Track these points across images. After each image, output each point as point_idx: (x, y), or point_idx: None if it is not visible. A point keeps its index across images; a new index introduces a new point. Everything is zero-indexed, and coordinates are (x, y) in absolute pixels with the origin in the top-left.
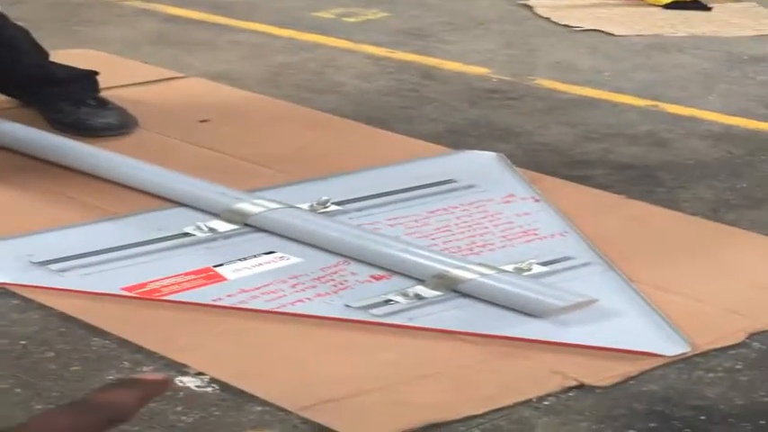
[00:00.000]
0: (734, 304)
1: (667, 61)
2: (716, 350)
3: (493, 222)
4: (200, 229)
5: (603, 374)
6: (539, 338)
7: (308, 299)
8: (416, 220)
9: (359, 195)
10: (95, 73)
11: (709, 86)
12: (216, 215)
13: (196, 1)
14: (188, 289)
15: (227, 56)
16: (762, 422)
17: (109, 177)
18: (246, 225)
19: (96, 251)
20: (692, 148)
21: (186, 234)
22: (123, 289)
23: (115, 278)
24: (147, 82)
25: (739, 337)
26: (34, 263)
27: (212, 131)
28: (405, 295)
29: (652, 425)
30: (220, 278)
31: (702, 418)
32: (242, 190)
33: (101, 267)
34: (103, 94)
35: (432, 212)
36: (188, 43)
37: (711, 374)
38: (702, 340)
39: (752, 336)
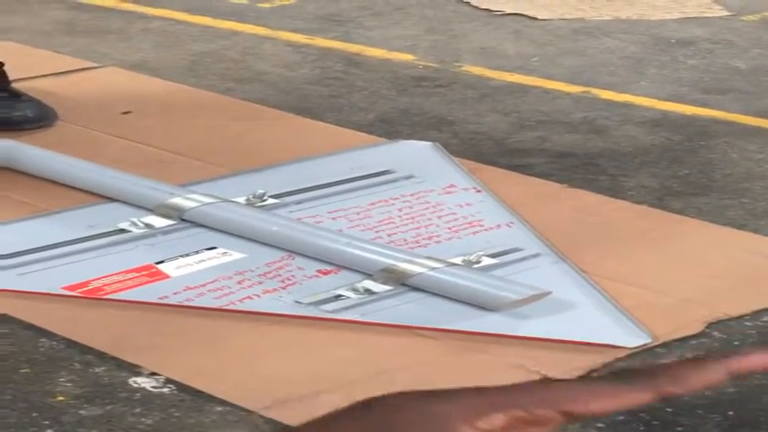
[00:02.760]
0: (689, 294)
1: (594, 46)
2: (676, 340)
3: (436, 214)
4: (135, 225)
5: (566, 367)
6: (496, 332)
7: (256, 295)
8: (358, 213)
9: (296, 188)
10: (1, 64)
11: (639, 71)
12: (150, 210)
13: None
14: (132, 287)
15: (142, 44)
16: (730, 413)
17: (37, 173)
18: (183, 220)
19: (31, 249)
20: (629, 134)
21: (122, 230)
22: (65, 288)
23: (55, 277)
24: (62, 72)
25: (698, 326)
26: None
27: (136, 123)
28: (355, 290)
29: (620, 417)
30: (163, 275)
31: (669, 409)
32: (174, 184)
33: (38, 266)
34: (16, 85)
35: (373, 204)
36: (100, 32)
37: None
38: (662, 331)
39: (711, 325)
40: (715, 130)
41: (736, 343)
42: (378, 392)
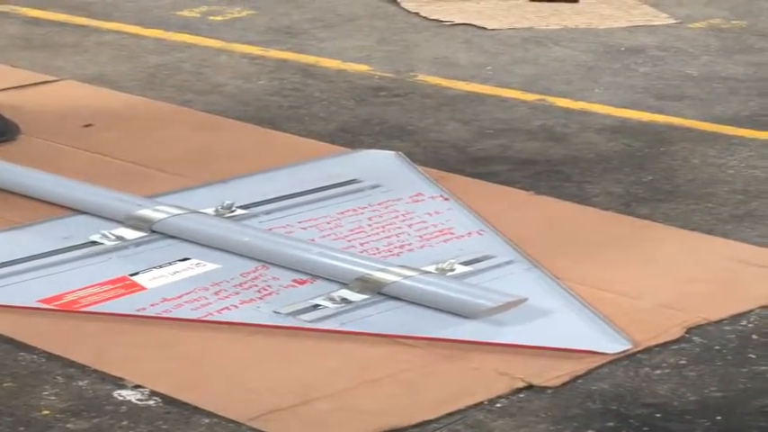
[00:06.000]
0: (666, 299)
1: (545, 54)
2: (657, 346)
3: (406, 222)
4: (106, 237)
5: (550, 374)
6: (477, 340)
7: (234, 306)
8: (328, 222)
9: (264, 198)
10: None
11: (593, 79)
12: (119, 222)
13: (54, 2)
14: (108, 299)
15: (98, 57)
16: (718, 417)
17: (4, 187)
18: (153, 231)
19: (3, 263)
20: (590, 141)
21: (94, 243)
22: (40, 301)
23: (29, 290)
24: (21, 86)
25: (678, 332)
26: None
27: (98, 136)
28: (332, 299)
29: (609, 424)
30: (139, 287)
31: (658, 415)
32: (141, 195)
33: (11, 279)
34: None
35: (342, 214)
36: (55, 46)
37: (658, 371)
38: (642, 337)
39: (690, 330)
40: (674, 137)
41: (716, 348)
42: (367, 401)
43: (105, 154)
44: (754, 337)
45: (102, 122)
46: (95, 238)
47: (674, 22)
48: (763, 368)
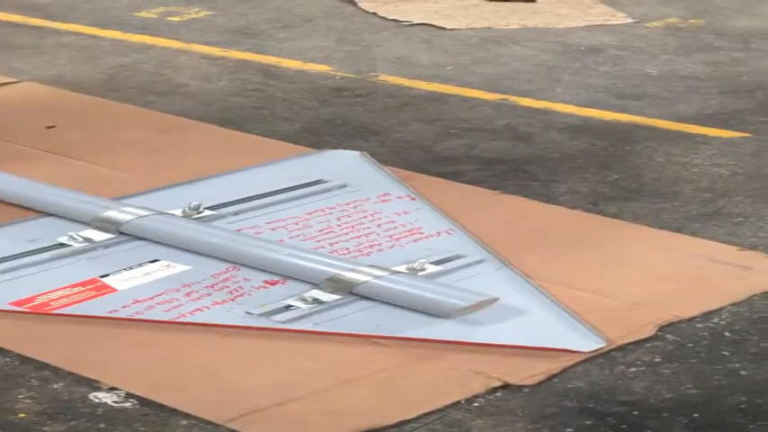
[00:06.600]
0: (638, 297)
1: (506, 54)
2: (631, 344)
3: (375, 222)
4: (74, 239)
5: (525, 373)
6: (452, 339)
7: (206, 307)
8: (297, 223)
9: (231, 199)
10: None
11: (554, 78)
12: (86, 224)
13: (9, 3)
14: (79, 301)
15: (56, 59)
16: (695, 415)
17: None
18: (121, 233)
19: None
20: (554, 140)
21: (62, 245)
22: (11, 304)
23: (0, 293)
24: None
25: (650, 330)
26: None
27: (61, 138)
28: (304, 300)
29: (587, 422)
30: (110, 289)
31: (635, 413)
32: (107, 197)
33: None
34: None
35: (310, 214)
36: (12, 47)
37: (633, 369)
38: (615, 335)
39: (663, 328)
40: (637, 135)
41: (690, 345)
42: (344, 401)
43: (69, 156)
44: (727, 334)
45: (65, 124)
46: (63, 240)
47: (632, 21)
48: (737, 365)
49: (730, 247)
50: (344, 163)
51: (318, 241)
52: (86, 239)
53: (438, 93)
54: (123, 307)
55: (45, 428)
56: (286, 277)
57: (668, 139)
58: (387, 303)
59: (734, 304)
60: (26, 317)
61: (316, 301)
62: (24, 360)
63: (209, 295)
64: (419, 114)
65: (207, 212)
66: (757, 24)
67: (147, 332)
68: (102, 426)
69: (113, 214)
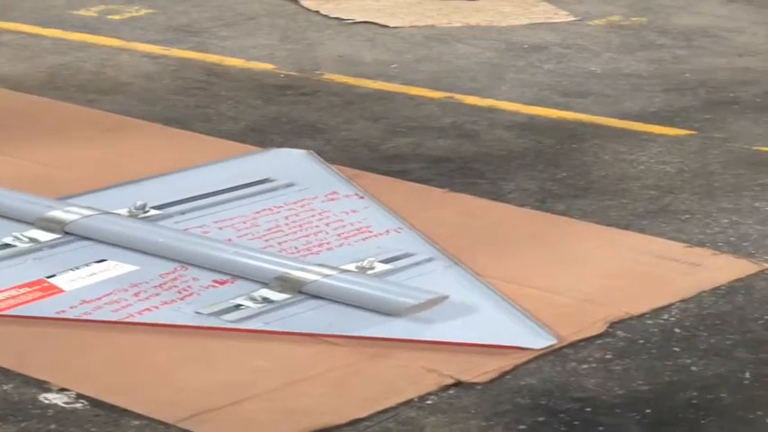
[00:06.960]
0: (588, 294)
1: (449, 52)
2: (582, 341)
3: (323, 221)
4: (19, 239)
5: (478, 370)
6: (403, 337)
7: (154, 307)
8: (244, 222)
9: (178, 198)
10: None
11: (498, 76)
12: (30, 224)
13: None
14: (26, 302)
15: None
16: (647, 411)
17: None
18: (67, 233)
19: None
20: (500, 138)
21: (7, 245)
22: None
23: None
24: None
25: (601, 326)
26: None
27: (2, 137)
28: (253, 299)
29: (540, 419)
30: (57, 290)
31: (588, 409)
32: (50, 197)
33: None
34: None
35: (258, 213)
36: None
37: (585, 366)
38: (566, 332)
39: (613, 325)
40: (583, 133)
41: (640, 342)
42: (297, 400)
43: (11, 155)
44: (677, 330)
45: (5, 124)
46: (7, 240)
47: (574, 19)
48: (688, 361)
49: (678, 243)
50: (291, 162)
51: (267, 240)
52: (32, 240)
53: (383, 91)
54: (71, 307)
55: None
56: (235, 276)
57: (614, 137)
58: (336, 302)
59: (683, 301)
60: None
61: (265, 300)
62: None
63: (157, 295)
64: (365, 113)
65: (153, 212)
66: (699, 22)
67: (95, 333)
68: (52, 427)
69: (58, 214)
